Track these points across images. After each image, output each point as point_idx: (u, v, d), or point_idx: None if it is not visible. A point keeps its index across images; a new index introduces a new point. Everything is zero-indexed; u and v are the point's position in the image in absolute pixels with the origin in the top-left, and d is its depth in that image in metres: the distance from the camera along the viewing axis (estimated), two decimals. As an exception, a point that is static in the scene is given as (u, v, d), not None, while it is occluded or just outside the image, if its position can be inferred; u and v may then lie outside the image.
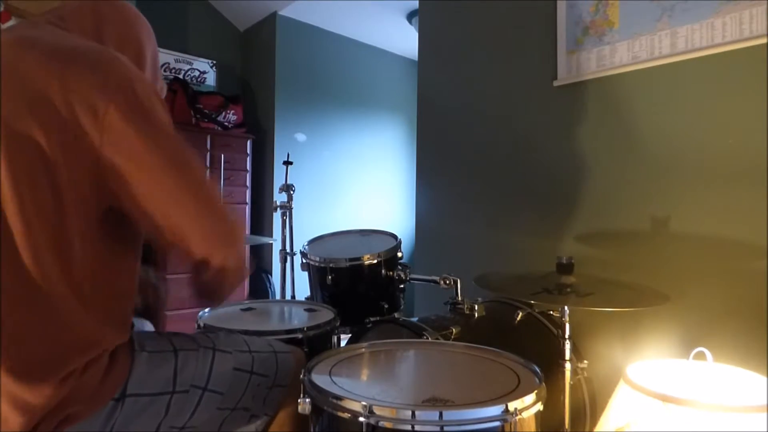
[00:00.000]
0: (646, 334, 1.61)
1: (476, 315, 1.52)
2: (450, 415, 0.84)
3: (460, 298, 1.56)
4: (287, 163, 2.29)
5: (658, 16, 1.65)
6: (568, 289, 1.23)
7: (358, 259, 1.67)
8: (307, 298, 1.84)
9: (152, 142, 0.81)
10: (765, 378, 0.93)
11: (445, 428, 0.83)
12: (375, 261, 1.67)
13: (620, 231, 1.74)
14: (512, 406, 0.85)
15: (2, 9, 1.69)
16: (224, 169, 3.47)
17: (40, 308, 0.78)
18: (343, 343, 1.64)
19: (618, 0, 1.75)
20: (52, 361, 0.77)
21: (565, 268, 1.30)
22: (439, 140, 2.43)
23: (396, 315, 1.66)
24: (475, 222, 2.23)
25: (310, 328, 1.40)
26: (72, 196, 0.79)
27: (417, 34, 2.67)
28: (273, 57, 3.77)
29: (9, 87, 0.79)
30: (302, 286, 2.05)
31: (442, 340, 1.34)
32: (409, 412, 0.84)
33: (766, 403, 0.82)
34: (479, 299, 1.60)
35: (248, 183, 3.57)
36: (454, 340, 1.40)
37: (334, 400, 0.89)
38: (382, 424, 0.84)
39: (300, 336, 1.37)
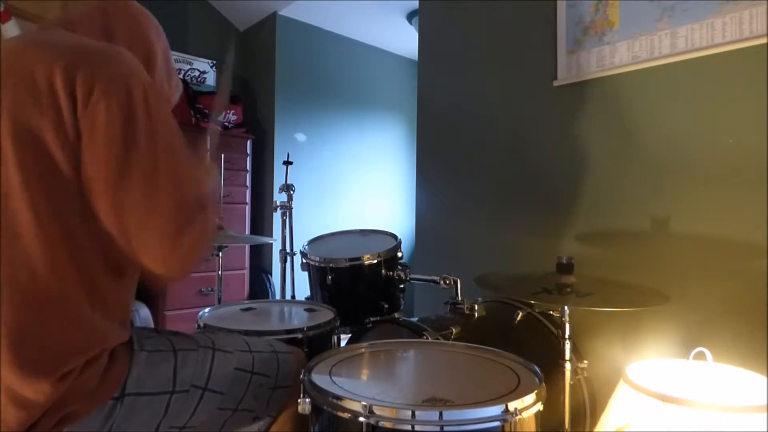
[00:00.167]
0: (646, 334, 1.61)
1: (476, 315, 1.52)
2: (450, 415, 0.84)
3: (460, 298, 1.56)
4: (287, 163, 2.29)
5: (658, 16, 1.65)
6: (568, 289, 1.23)
7: (358, 259, 1.67)
8: (307, 298, 1.84)
9: (122, 148, 0.80)
10: (765, 378, 0.93)
11: (445, 428, 0.83)
12: (375, 261, 1.67)
13: (620, 231, 1.74)
14: (512, 406, 0.85)
15: (2, 9, 1.69)
16: (224, 169, 3.46)
17: (51, 305, 0.78)
18: (343, 343, 1.64)
19: (618, 0, 1.75)
20: (54, 358, 0.78)
21: (565, 268, 1.30)
22: (439, 140, 2.43)
23: (396, 315, 1.66)
24: (475, 222, 2.22)
25: (310, 328, 1.40)
26: (76, 192, 0.80)
27: (417, 34, 2.67)
28: (273, 57, 3.77)
29: (19, 85, 0.80)
30: (302, 286, 2.05)
31: (442, 340, 1.34)
32: (409, 412, 0.84)
33: (766, 403, 0.82)
34: (479, 299, 1.61)
35: (248, 183, 3.56)
36: (454, 340, 1.40)
37: (334, 400, 0.89)
38: (382, 424, 0.84)
39: (300, 336, 1.37)
